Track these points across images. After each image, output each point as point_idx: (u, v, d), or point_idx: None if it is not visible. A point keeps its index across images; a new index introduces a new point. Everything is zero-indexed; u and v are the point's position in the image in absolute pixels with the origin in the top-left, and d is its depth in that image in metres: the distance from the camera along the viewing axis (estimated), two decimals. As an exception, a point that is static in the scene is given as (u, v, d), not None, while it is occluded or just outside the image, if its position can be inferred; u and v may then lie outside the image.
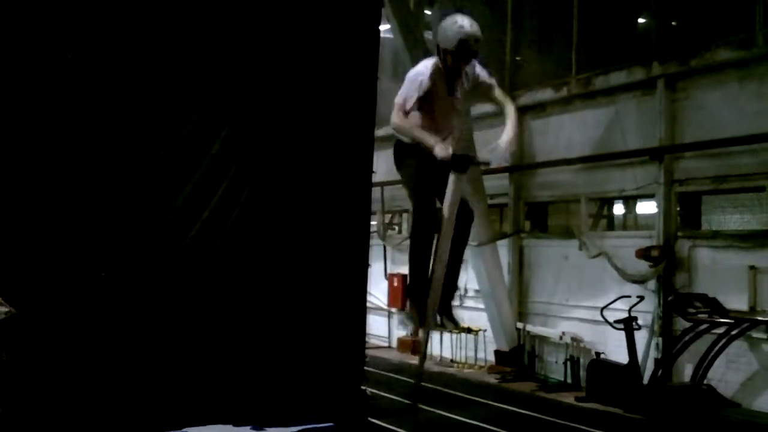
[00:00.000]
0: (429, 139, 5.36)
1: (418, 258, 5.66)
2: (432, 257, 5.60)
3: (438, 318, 5.75)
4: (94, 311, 6.73)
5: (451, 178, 5.45)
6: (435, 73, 5.48)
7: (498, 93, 5.80)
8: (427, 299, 5.57)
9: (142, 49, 7.11)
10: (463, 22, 5.44)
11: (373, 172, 8.82)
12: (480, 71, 5.69)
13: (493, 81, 5.78)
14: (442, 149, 5.27)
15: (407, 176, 5.81)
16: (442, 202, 5.53)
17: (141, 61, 7.09)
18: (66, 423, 6.59)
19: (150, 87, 7.13)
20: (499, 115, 5.80)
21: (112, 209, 6.93)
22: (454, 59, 5.45)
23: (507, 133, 5.49)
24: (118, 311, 6.86)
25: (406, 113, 5.41)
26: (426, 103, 5.49)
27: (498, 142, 5.44)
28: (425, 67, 5.52)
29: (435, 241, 5.57)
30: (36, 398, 6.45)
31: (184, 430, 6.94)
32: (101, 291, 6.78)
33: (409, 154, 5.67)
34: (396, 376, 13.31)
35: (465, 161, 5.46)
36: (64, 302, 6.64)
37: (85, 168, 6.82)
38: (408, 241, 5.92)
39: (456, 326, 6.09)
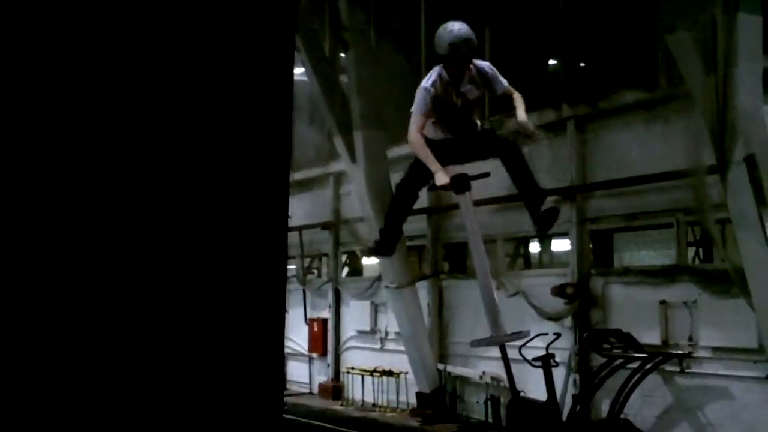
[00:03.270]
0: (432, 164, 5.82)
1: (394, 213, 6.47)
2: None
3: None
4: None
5: (460, 203, 5.81)
6: (438, 81, 5.75)
7: (501, 86, 6.23)
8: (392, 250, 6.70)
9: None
10: (453, 27, 5.76)
11: (289, 216, 8.78)
12: (485, 68, 6.05)
13: (498, 76, 6.21)
14: (440, 177, 5.60)
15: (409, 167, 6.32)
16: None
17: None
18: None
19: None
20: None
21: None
22: (451, 64, 5.70)
23: (520, 114, 6.11)
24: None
25: (423, 125, 5.92)
26: (434, 109, 5.76)
27: (517, 120, 6.06)
28: (430, 76, 5.82)
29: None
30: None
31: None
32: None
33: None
34: (317, 423, 13.09)
35: (463, 181, 5.77)
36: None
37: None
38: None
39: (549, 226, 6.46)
